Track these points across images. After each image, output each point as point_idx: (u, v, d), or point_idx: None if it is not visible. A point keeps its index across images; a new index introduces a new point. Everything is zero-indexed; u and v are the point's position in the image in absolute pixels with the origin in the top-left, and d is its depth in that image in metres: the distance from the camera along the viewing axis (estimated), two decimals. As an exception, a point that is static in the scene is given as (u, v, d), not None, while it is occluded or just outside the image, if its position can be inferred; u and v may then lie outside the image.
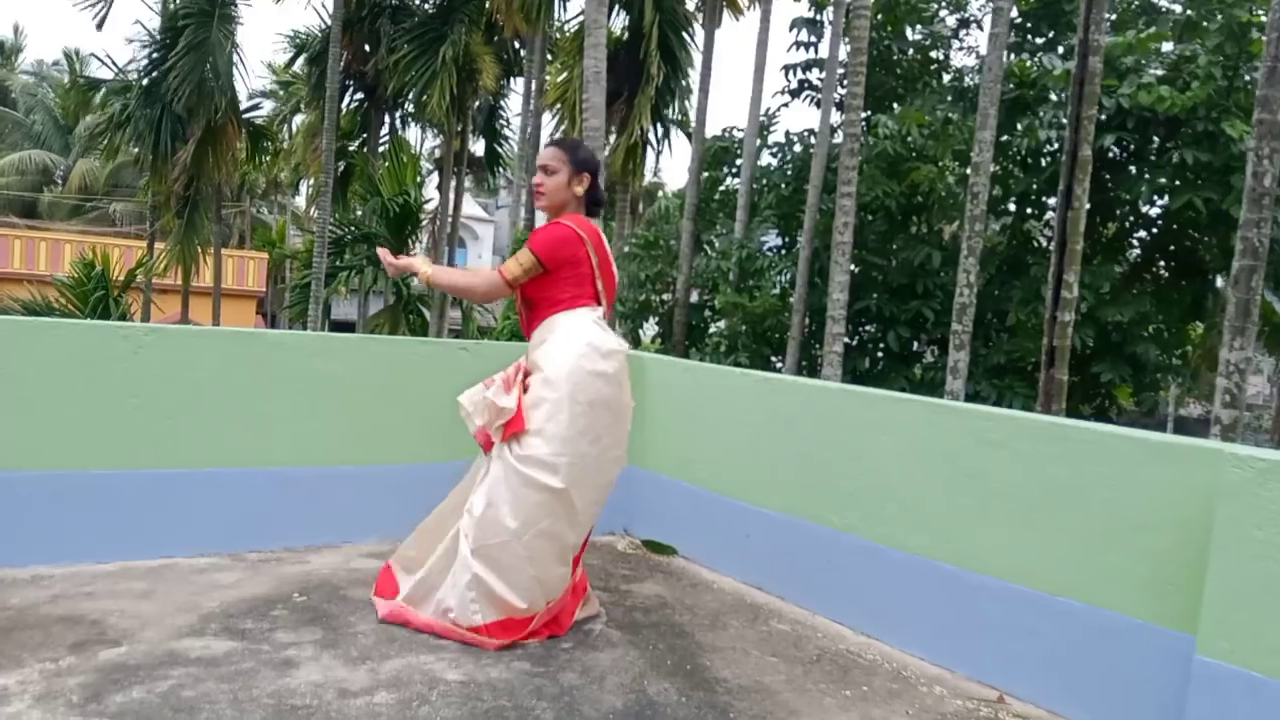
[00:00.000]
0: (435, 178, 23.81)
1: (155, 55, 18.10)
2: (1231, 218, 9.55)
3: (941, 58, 14.66)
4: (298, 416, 4.01)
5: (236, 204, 31.53)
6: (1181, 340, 13.41)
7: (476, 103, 21.29)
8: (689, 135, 17.67)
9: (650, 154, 17.64)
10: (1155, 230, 12.94)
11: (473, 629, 3.10)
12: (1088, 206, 8.40)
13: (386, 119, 22.71)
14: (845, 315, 10.69)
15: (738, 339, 13.27)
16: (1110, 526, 2.82)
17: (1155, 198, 11.88)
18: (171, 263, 19.23)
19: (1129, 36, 11.57)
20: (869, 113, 13.00)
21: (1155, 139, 11.65)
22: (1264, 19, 9.75)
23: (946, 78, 14.61)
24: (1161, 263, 13.38)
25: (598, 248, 3.37)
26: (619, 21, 16.07)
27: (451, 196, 21.91)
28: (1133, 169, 11.86)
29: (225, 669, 2.75)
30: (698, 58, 16.40)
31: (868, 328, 13.45)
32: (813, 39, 14.20)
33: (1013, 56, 12.62)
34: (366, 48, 20.50)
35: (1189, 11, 12.61)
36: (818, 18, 14.27)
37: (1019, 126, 12.13)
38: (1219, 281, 12.70)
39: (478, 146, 24.14)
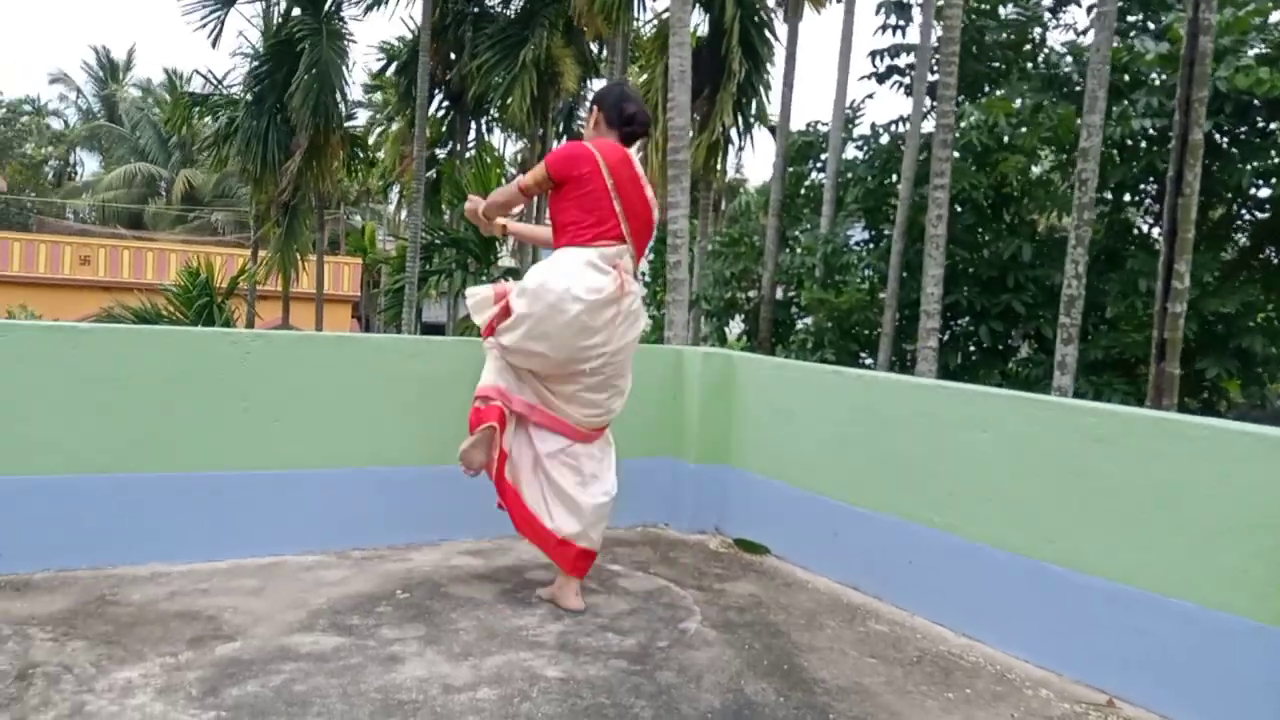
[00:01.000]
0: (520, 181, 24.11)
1: (261, 70, 18.74)
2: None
3: (1036, 38, 14.17)
4: (397, 417, 4.12)
5: (333, 212, 32.52)
6: (1292, 329, 12.72)
7: (558, 105, 21.50)
8: (771, 130, 17.53)
9: (732, 150, 17.57)
10: (1263, 213, 12.30)
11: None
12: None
13: (472, 125, 23.11)
14: (940, 310, 10.46)
15: (824, 335, 13.09)
16: (1225, 525, 2.71)
17: (1259, 182, 11.31)
18: (272, 269, 19.95)
19: (1226, 15, 11.02)
20: (961, 97, 12.66)
21: (1258, 121, 11.07)
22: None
23: (1038, 60, 14.11)
24: (1270, 249, 12.73)
25: (618, 171, 3.36)
26: (699, 19, 16.03)
27: (535, 198, 22.13)
28: (1236, 152, 11.31)
29: (334, 664, 2.84)
30: (780, 52, 16.28)
31: (958, 323, 13.13)
32: (901, 22, 13.86)
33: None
34: (451, 55, 20.90)
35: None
36: (906, 0, 13.97)
37: (1113, 112, 11.67)
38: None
39: (560, 148, 24.38)
